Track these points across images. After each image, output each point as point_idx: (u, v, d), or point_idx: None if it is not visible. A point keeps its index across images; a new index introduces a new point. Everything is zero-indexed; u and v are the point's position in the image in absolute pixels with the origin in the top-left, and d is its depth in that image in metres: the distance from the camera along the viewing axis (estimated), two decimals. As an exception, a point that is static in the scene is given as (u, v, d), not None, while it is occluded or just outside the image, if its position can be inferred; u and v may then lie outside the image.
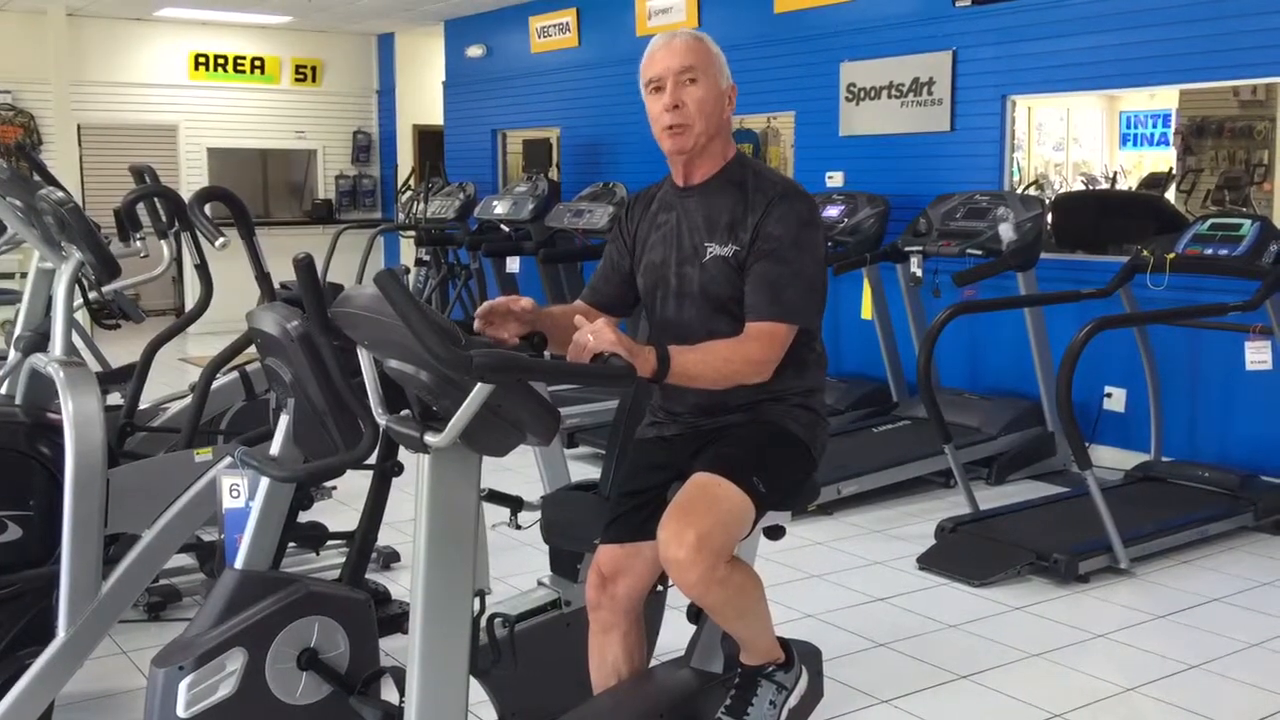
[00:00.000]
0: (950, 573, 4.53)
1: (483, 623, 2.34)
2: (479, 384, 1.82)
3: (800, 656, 2.55)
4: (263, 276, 3.40)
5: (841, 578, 4.54)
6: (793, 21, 7.74)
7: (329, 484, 4.79)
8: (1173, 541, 4.79)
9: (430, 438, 1.97)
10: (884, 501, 5.55)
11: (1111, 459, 6.05)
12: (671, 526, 2.25)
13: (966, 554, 4.62)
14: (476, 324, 2.25)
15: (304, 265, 2.05)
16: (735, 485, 2.30)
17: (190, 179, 11.63)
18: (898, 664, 3.72)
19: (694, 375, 2.30)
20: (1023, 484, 5.85)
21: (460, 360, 1.76)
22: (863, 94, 7.29)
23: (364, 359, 2.13)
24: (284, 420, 2.65)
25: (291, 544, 4.46)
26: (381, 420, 2.11)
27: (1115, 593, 4.39)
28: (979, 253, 5.85)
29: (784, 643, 2.51)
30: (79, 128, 11.12)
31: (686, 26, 8.47)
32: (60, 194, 3.08)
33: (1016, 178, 12.22)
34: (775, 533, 2.56)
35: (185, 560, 4.25)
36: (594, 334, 2.08)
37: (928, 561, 4.64)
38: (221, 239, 2.99)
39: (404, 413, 2.17)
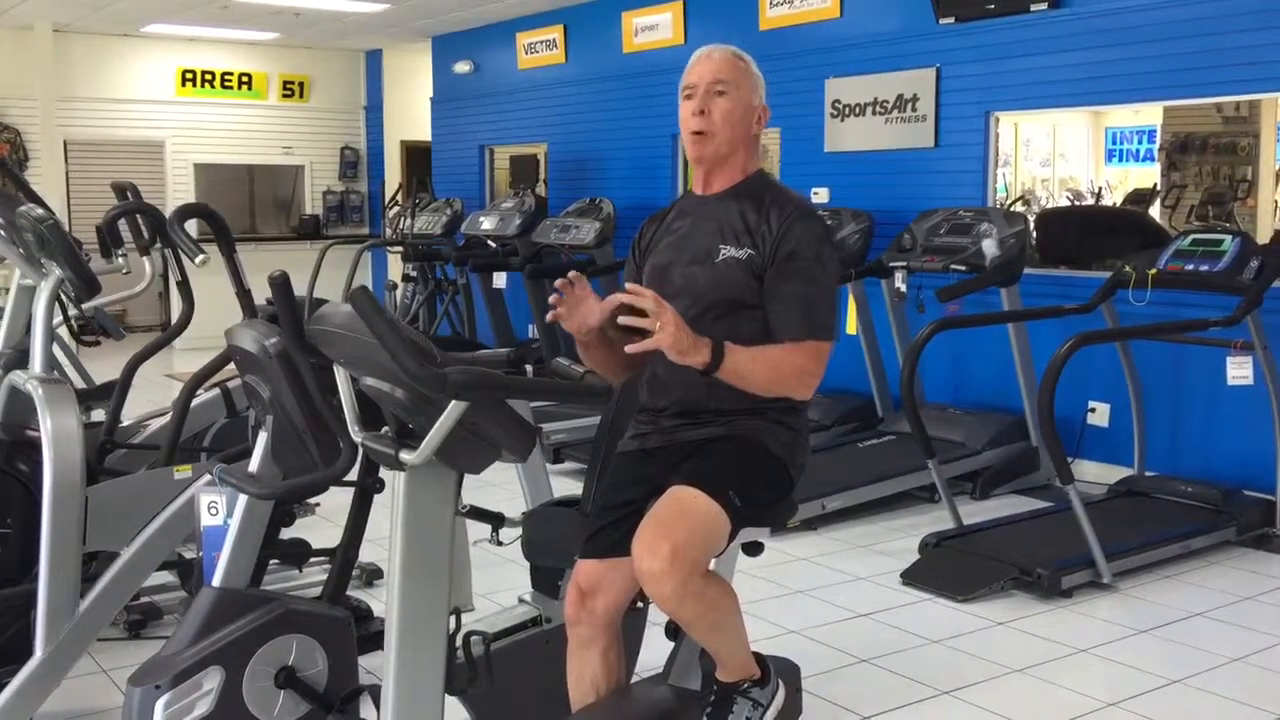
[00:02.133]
0: (934, 588, 4.53)
1: (461, 641, 2.33)
2: (453, 401, 1.82)
3: (777, 673, 2.54)
4: (243, 293, 3.40)
5: (825, 593, 4.54)
6: (777, 39, 7.77)
7: (312, 500, 4.79)
8: (1156, 556, 4.79)
9: (406, 455, 1.97)
10: (868, 516, 5.56)
11: (1095, 474, 6.07)
12: (646, 539, 2.26)
13: (950, 569, 4.62)
14: (553, 298, 2.33)
15: (279, 283, 2.05)
16: (711, 499, 2.32)
17: (177, 195, 11.61)
18: (880, 679, 3.72)
19: (744, 374, 2.37)
20: (1007, 499, 5.86)
21: (434, 378, 1.76)
22: (847, 110, 7.32)
23: (340, 377, 2.13)
24: (262, 437, 2.65)
25: (274, 561, 4.48)
26: (357, 438, 2.10)
27: (1098, 607, 4.39)
28: (962, 268, 5.87)
29: (760, 659, 2.51)
30: (65, 143, 11.11)
31: (675, 43, 8.51)
32: (40, 211, 3.07)
33: (1003, 194, 12.30)
34: (754, 549, 2.57)
35: (167, 578, 4.23)
36: (661, 322, 2.19)
37: (911, 577, 4.64)
38: (201, 256, 2.99)
39: (385, 430, 2.17)
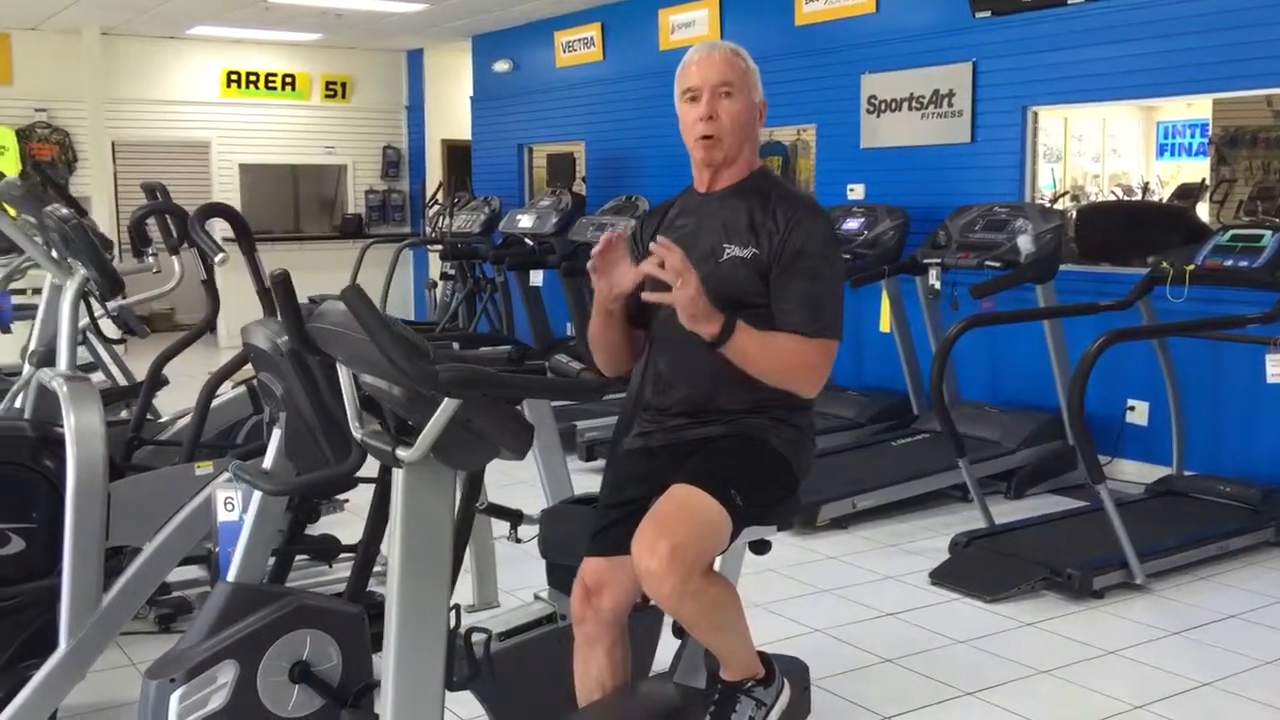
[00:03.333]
0: (962, 588, 4.48)
1: (462, 637, 2.34)
2: (445, 399, 1.83)
3: (785, 672, 2.53)
4: (263, 292, 3.44)
5: (852, 593, 4.51)
6: (813, 34, 7.73)
7: (340, 497, 4.83)
8: (1191, 557, 4.72)
9: (402, 452, 1.98)
10: (900, 516, 5.51)
11: (1134, 473, 5.99)
12: (646, 537, 2.25)
13: (980, 569, 4.58)
14: (594, 251, 2.38)
15: (280, 282, 2.06)
16: (711, 498, 2.30)
17: (222, 195, 11.73)
18: (903, 680, 3.69)
19: (751, 357, 2.36)
20: (1043, 498, 5.79)
21: (425, 375, 1.77)
22: (883, 106, 7.27)
23: (343, 374, 2.14)
24: (276, 434, 2.68)
25: (304, 557, 4.52)
26: (358, 434, 2.12)
27: (1130, 609, 4.33)
28: (997, 265, 5.81)
29: (765, 658, 2.49)
30: (113, 145, 11.29)
31: (711, 39, 8.49)
32: (65, 210, 3.12)
33: (1054, 190, 12.12)
34: (761, 547, 2.55)
35: (199, 573, 4.28)
36: (683, 280, 2.22)
37: (940, 576, 4.60)
38: (221, 254, 3.03)
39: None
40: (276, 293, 2.08)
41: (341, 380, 2.14)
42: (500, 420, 1.95)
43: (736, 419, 2.45)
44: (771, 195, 2.52)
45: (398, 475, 2.06)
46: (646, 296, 2.30)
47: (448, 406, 1.85)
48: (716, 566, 2.49)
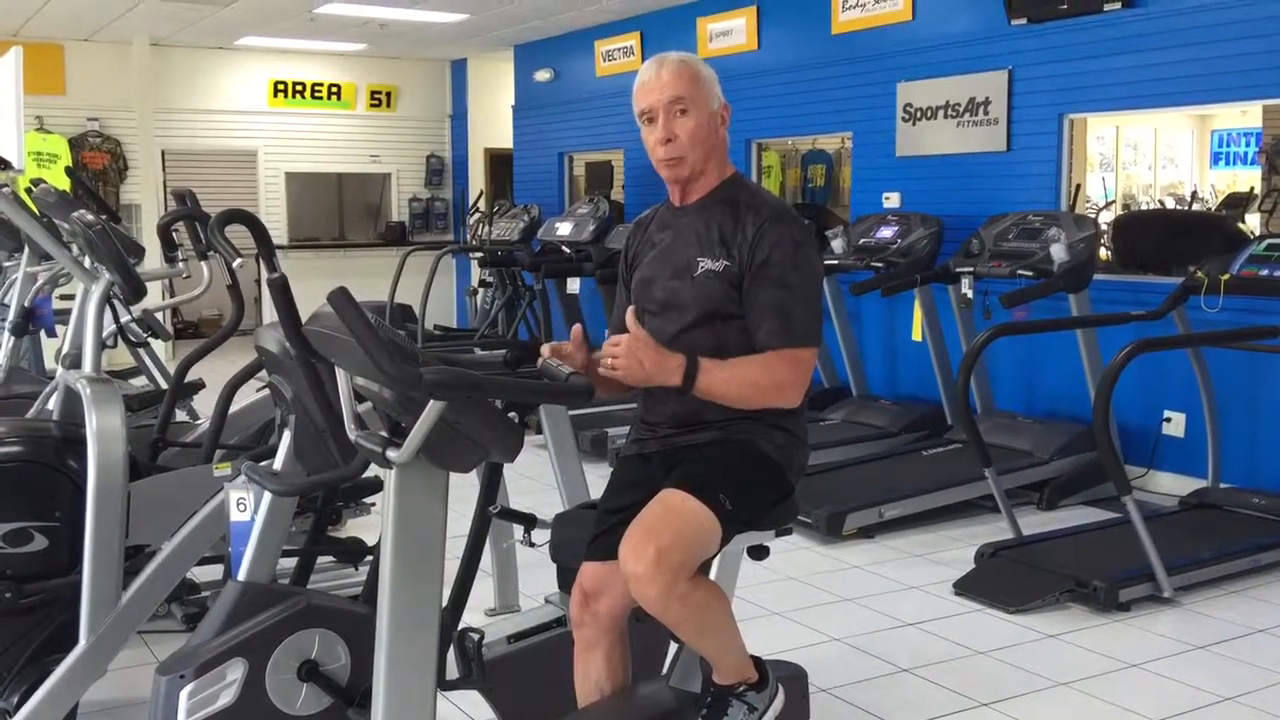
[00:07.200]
0: (986, 598, 4.45)
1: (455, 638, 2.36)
2: (431, 401, 1.85)
3: (783, 679, 2.53)
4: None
5: (874, 602, 4.48)
6: (850, 42, 7.72)
7: (368, 500, 4.88)
8: (1221, 570, 4.64)
9: (392, 453, 2.01)
10: (928, 525, 5.47)
11: (1170, 485, 5.91)
12: (632, 541, 2.26)
13: (1004, 580, 4.54)
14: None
15: (277, 285, 2.10)
16: (699, 502, 2.30)
17: (269, 203, 11.97)
18: (918, 690, 3.67)
19: (720, 394, 2.36)
20: (1075, 510, 5.72)
21: (409, 377, 1.79)
22: (919, 114, 7.23)
23: (340, 377, 2.18)
24: (286, 436, 2.72)
25: (331, 559, 4.56)
26: (353, 436, 2.15)
27: (1155, 622, 4.27)
28: (1029, 274, 5.76)
29: (759, 663, 2.50)
30: (163, 154, 11.50)
31: (749, 48, 8.50)
32: (90, 216, 3.19)
33: (1107, 198, 11.97)
34: (759, 552, 2.55)
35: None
36: (612, 359, 2.28)
37: (964, 587, 4.57)
38: (238, 259, 3.09)
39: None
40: (274, 296, 2.12)
41: (339, 382, 2.18)
42: (488, 423, 1.98)
43: (728, 424, 2.46)
44: (741, 204, 2.49)
45: (389, 476, 2.09)
46: (600, 372, 2.36)
47: (433, 409, 1.88)
48: (713, 573, 2.50)
